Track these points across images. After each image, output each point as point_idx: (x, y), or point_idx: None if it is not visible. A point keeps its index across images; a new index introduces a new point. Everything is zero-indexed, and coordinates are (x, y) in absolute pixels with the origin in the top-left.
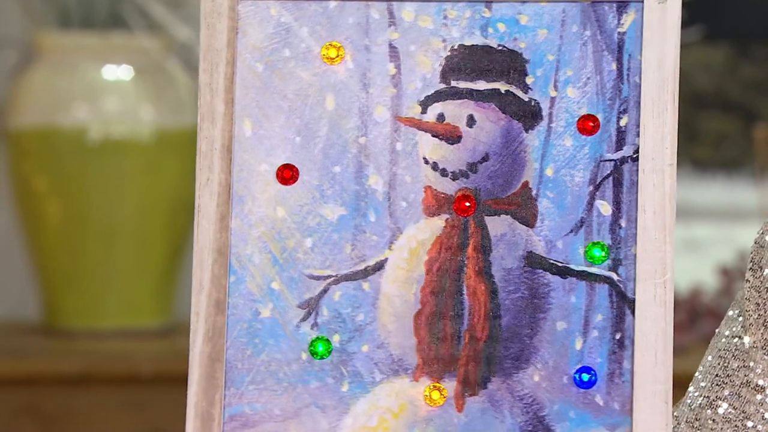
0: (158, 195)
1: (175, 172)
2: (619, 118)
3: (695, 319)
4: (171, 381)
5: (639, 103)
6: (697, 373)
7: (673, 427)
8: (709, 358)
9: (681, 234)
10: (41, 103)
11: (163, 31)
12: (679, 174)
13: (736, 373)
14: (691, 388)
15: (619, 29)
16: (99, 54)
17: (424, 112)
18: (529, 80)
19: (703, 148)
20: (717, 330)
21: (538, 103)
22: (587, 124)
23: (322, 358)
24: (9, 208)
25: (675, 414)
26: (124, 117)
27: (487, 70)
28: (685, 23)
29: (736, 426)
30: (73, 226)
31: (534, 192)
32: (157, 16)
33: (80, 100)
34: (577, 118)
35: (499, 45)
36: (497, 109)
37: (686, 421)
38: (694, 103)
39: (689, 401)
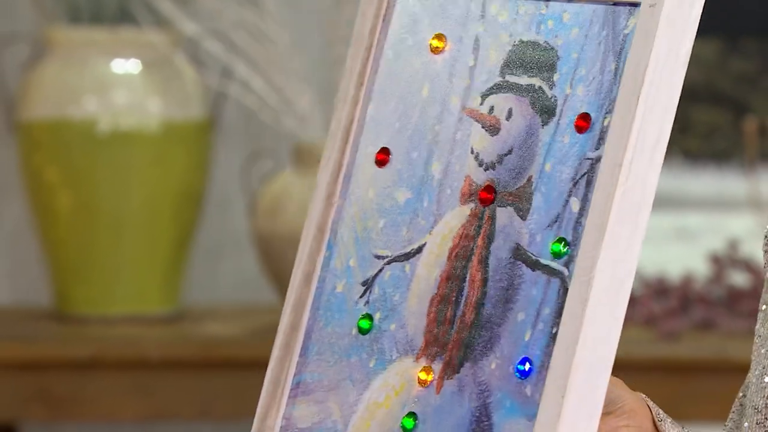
0: (166, 185)
1: (183, 163)
2: (605, 118)
3: (687, 305)
4: (178, 366)
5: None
6: (752, 378)
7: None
8: (762, 359)
9: (673, 223)
10: (52, 96)
11: (170, 26)
12: (671, 165)
13: None
14: (749, 391)
15: (625, 31)
16: (108, 48)
17: (481, 103)
18: (555, 77)
19: (694, 139)
20: (756, 334)
21: (556, 99)
22: (582, 123)
23: (365, 334)
24: (21, 199)
25: (745, 423)
26: (133, 109)
27: (531, 65)
28: None
29: None
30: (83, 215)
31: (533, 186)
32: (164, 12)
33: (90, 93)
34: (576, 116)
35: (544, 41)
36: (528, 104)
37: (757, 423)
38: (685, 96)
39: (753, 404)
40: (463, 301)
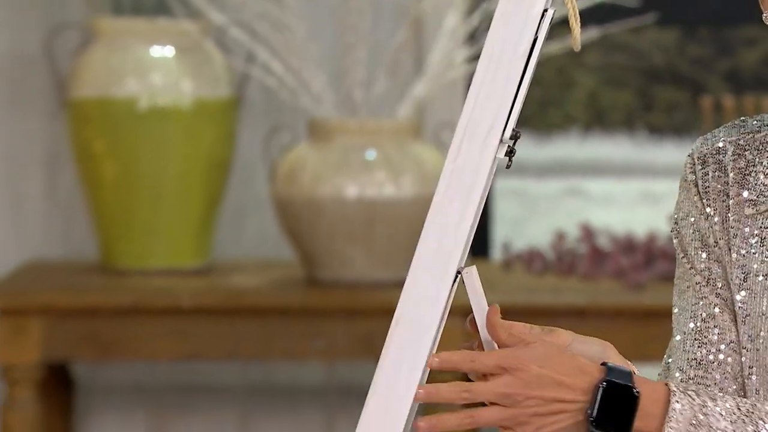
0: (197, 156)
1: (212, 137)
2: None
3: (651, 260)
4: (208, 312)
5: None
6: (674, 343)
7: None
8: (681, 326)
9: (639, 188)
10: (98, 77)
11: (201, 16)
12: (636, 137)
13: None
14: (674, 355)
15: None
16: (147, 36)
17: None
18: None
19: (658, 115)
20: (674, 305)
21: None
22: None
23: None
24: (72, 168)
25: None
26: (169, 89)
27: None
28: (641, 9)
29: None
30: (126, 182)
31: None
32: (196, 4)
33: (131, 75)
34: None
35: None
36: None
37: (681, 381)
38: (649, 77)
39: (678, 365)
40: None
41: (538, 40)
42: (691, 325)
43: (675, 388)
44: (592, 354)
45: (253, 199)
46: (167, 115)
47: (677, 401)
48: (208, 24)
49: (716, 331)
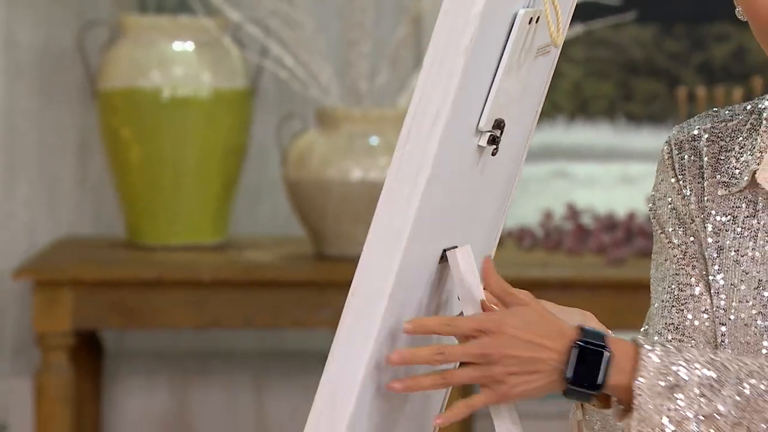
0: (215, 142)
1: (229, 124)
2: None
3: (630, 237)
4: (225, 285)
5: None
6: (652, 311)
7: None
8: (659, 295)
9: (619, 171)
10: (125, 70)
11: (219, 14)
12: (617, 125)
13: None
14: (652, 321)
15: None
16: (170, 32)
17: None
18: None
19: (636, 104)
20: (652, 277)
21: None
22: None
23: None
24: (101, 153)
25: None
26: (189, 81)
27: None
28: (622, 7)
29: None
30: (151, 165)
31: None
32: (215, 2)
33: (155, 68)
34: None
35: None
36: None
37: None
38: (629, 70)
39: (657, 329)
40: None
41: (510, 39)
42: (669, 294)
43: (642, 342)
44: (572, 323)
45: (266, 182)
46: (188, 105)
47: (646, 354)
48: (226, 21)
49: (693, 299)
